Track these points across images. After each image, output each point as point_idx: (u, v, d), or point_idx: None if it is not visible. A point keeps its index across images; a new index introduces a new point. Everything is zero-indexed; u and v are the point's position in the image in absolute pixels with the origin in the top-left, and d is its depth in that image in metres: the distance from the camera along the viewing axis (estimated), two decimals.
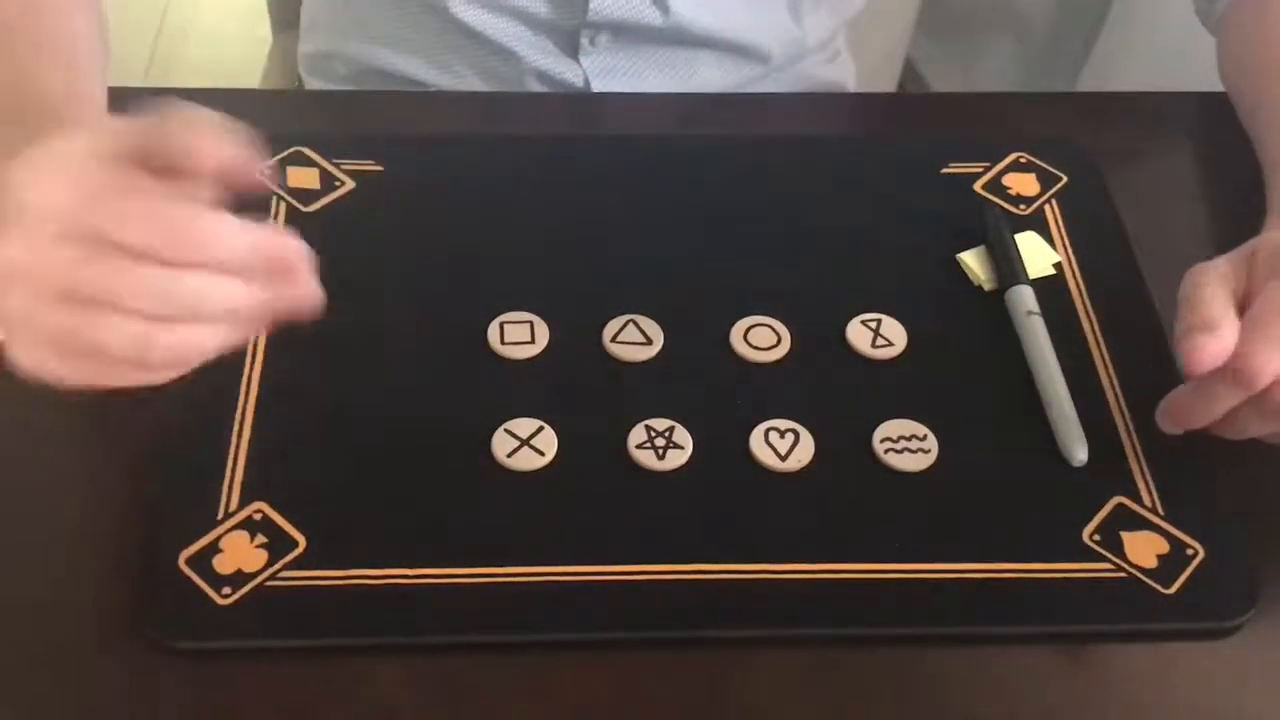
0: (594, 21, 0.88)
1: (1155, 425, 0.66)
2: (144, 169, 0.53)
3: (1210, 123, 0.86)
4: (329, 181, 0.76)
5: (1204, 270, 0.64)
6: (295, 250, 0.55)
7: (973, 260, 0.73)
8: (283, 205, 0.74)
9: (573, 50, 0.91)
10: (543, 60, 0.91)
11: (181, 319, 0.53)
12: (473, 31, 0.90)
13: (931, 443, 0.65)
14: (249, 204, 0.75)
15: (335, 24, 0.97)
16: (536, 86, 0.93)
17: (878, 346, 0.69)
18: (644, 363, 0.68)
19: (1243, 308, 0.62)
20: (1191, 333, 0.60)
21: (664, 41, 0.91)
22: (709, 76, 0.94)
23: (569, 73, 0.92)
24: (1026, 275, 0.72)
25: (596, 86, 0.92)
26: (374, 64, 0.94)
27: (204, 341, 0.54)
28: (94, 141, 0.54)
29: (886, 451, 0.65)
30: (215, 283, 0.53)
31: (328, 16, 0.98)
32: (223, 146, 0.53)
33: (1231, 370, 0.60)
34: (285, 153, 0.77)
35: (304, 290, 0.55)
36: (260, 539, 0.60)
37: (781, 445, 0.65)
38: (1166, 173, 0.81)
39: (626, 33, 0.90)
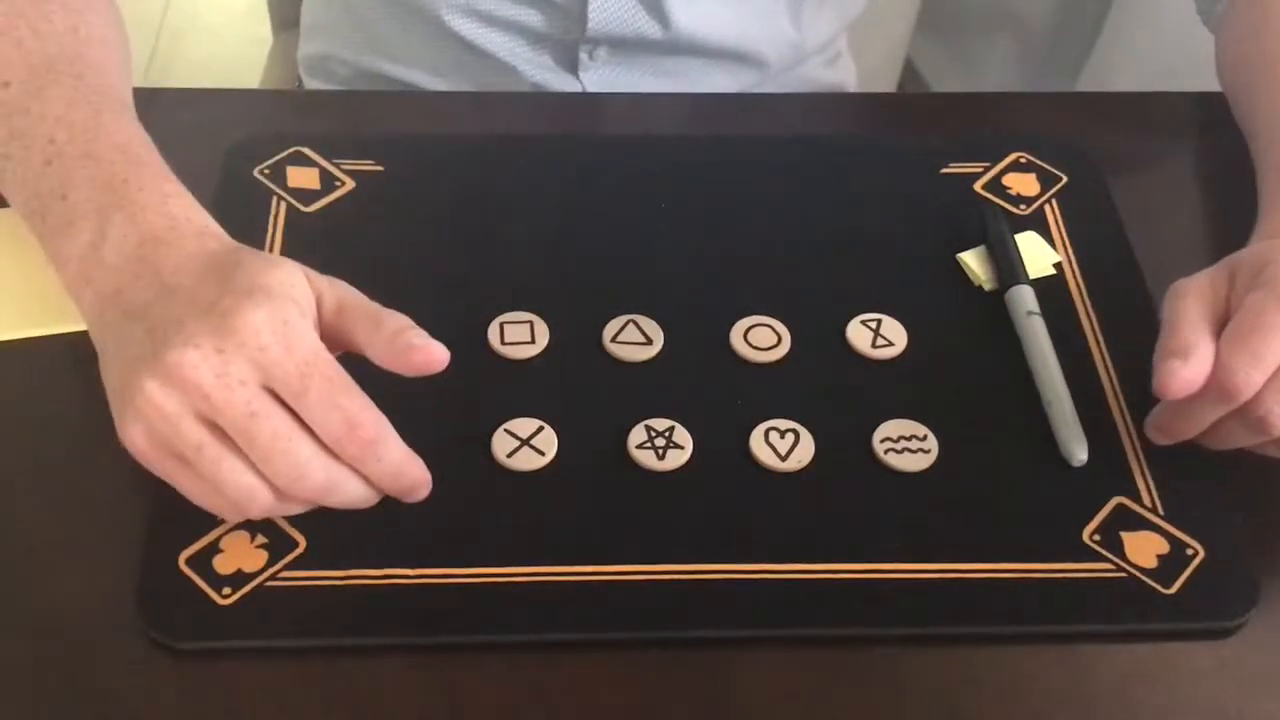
0: (593, 36, 0.88)
1: None
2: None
3: (1210, 123, 0.86)
4: (329, 181, 0.76)
5: (1184, 287, 0.64)
6: (420, 484, 0.59)
7: (973, 260, 0.73)
8: (283, 205, 0.74)
9: (571, 65, 0.91)
10: (541, 75, 0.91)
11: (296, 498, 0.57)
12: (470, 45, 0.90)
13: (931, 443, 0.65)
14: (248, 201, 0.75)
15: (334, 30, 0.97)
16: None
17: (878, 346, 0.69)
18: (644, 363, 0.68)
19: (1225, 320, 0.62)
20: (1166, 358, 0.61)
21: (663, 53, 0.90)
22: (710, 87, 0.94)
23: (567, 87, 0.92)
24: (1026, 275, 0.72)
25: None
26: (373, 70, 0.94)
27: (293, 511, 0.58)
28: (310, 294, 0.58)
29: (886, 451, 0.65)
30: (346, 480, 0.57)
31: (327, 22, 0.98)
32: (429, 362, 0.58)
33: (1214, 385, 0.60)
34: (285, 153, 0.77)
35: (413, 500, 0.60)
36: (260, 539, 0.60)
37: (781, 445, 0.65)
38: (1166, 172, 0.81)
39: (625, 46, 0.89)
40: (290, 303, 0.56)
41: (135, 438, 0.56)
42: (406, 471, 0.58)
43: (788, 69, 0.96)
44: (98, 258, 0.59)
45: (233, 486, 0.56)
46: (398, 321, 0.59)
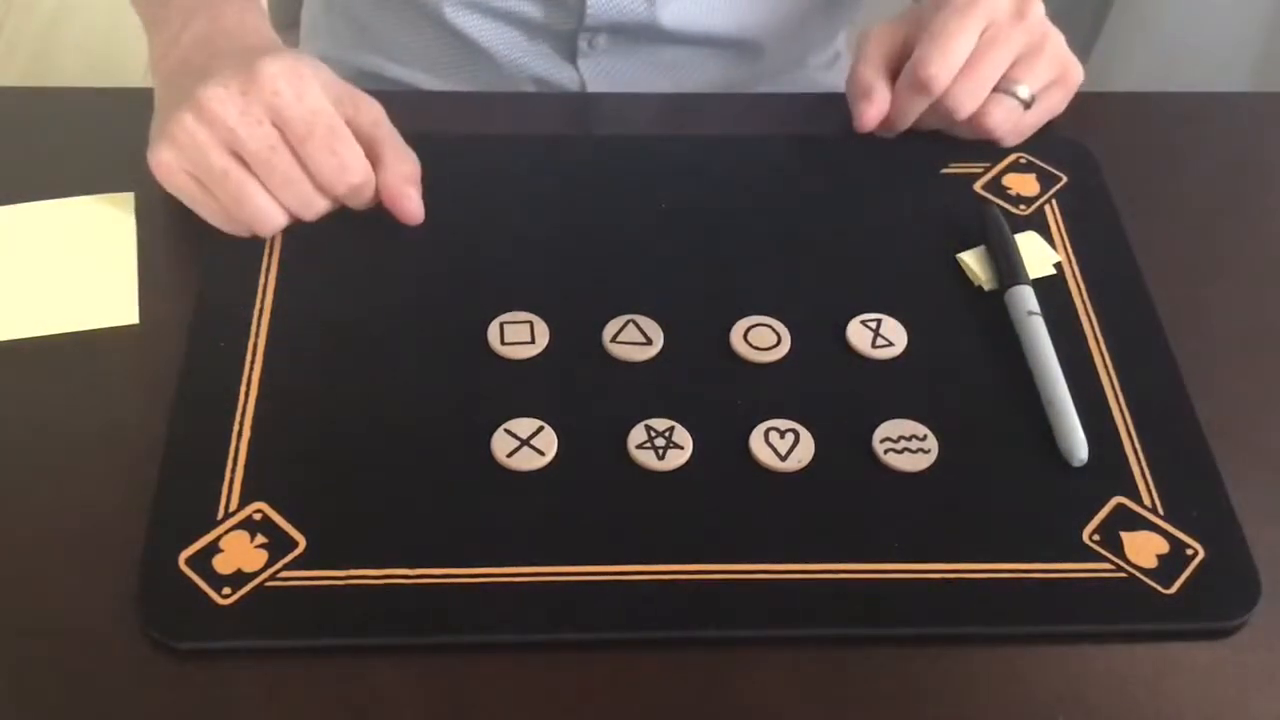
0: (591, 24, 0.88)
1: (1155, 425, 0.66)
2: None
3: (1210, 123, 0.86)
4: None
5: (868, 33, 0.80)
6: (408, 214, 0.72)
7: (973, 260, 0.73)
8: None
9: (570, 55, 0.91)
10: (539, 66, 0.91)
11: (299, 219, 0.72)
12: (469, 39, 0.90)
13: (931, 443, 0.65)
14: None
15: (333, 30, 0.97)
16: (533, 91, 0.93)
17: (878, 346, 0.69)
18: (644, 363, 0.68)
19: (905, 58, 0.77)
20: (855, 101, 0.78)
21: (662, 41, 0.90)
22: (708, 77, 0.94)
23: (565, 78, 0.92)
24: (1026, 275, 0.72)
25: (594, 91, 0.92)
26: (372, 70, 0.94)
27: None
28: (335, 81, 0.70)
29: (886, 451, 0.65)
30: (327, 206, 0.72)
31: (327, 22, 0.98)
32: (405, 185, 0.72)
33: (916, 83, 0.75)
34: None
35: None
36: (260, 539, 0.60)
37: (781, 445, 0.65)
38: (1166, 173, 0.81)
39: (624, 33, 0.89)
40: (308, 68, 0.68)
41: (164, 160, 0.68)
42: (391, 192, 0.71)
43: (787, 61, 0.96)
44: (177, 41, 0.73)
45: (252, 207, 0.69)
46: (414, 169, 0.72)
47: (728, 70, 0.94)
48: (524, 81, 0.92)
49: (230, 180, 0.68)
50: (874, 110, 0.77)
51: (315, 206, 0.70)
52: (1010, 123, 0.78)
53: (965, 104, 0.76)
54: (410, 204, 0.71)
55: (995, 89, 0.77)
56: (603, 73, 0.92)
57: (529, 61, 0.91)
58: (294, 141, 0.68)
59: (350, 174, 0.69)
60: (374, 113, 0.71)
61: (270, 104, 0.67)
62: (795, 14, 0.93)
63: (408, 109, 0.74)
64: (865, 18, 1.01)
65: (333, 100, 0.69)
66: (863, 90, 0.78)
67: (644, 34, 0.89)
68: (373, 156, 0.71)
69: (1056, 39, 0.78)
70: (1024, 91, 0.77)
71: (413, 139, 0.73)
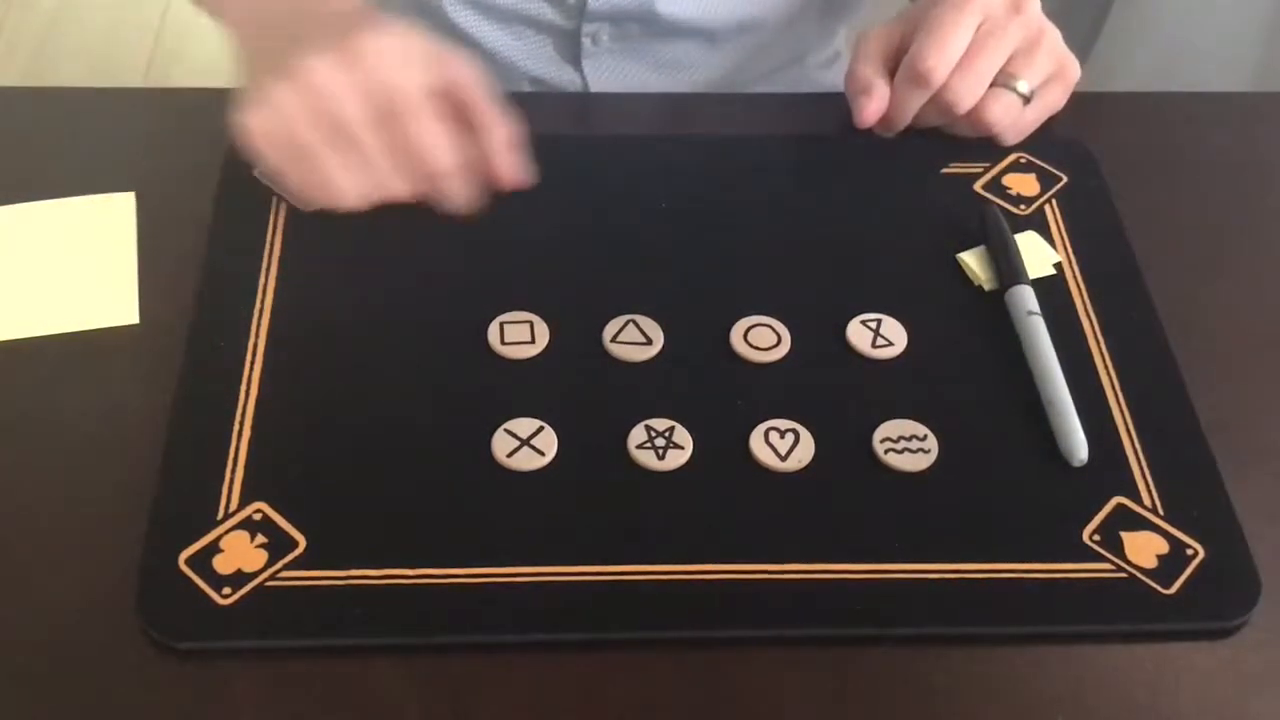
0: (594, 14, 0.88)
1: (1155, 425, 0.66)
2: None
3: (1210, 123, 0.86)
4: None
5: (866, 33, 0.80)
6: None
7: (973, 260, 0.73)
8: (283, 205, 0.74)
9: (573, 55, 0.91)
10: (542, 68, 0.91)
11: (375, 196, 0.70)
12: (471, 40, 0.90)
13: (931, 443, 0.65)
14: (248, 201, 0.75)
15: None
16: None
17: (878, 346, 0.69)
18: (644, 363, 0.68)
19: (902, 56, 0.78)
20: (855, 96, 0.79)
21: (662, 35, 0.90)
22: (708, 76, 0.94)
23: (567, 80, 0.92)
24: (1026, 275, 0.72)
25: (595, 91, 0.92)
26: None
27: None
28: (431, 54, 0.70)
29: (886, 451, 0.65)
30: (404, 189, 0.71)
31: None
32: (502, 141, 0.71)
33: (913, 78, 0.76)
34: None
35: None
36: (260, 539, 0.60)
37: (781, 445, 0.65)
38: (1166, 172, 0.81)
39: (625, 26, 0.89)
40: (404, 44, 0.68)
41: (257, 126, 0.68)
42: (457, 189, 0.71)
43: (786, 57, 0.96)
44: (260, 3, 0.73)
45: (326, 183, 0.69)
46: (512, 132, 0.71)
47: (728, 68, 0.94)
48: (524, 82, 0.92)
49: (311, 154, 0.68)
50: (873, 105, 0.78)
51: (391, 187, 0.70)
52: (1010, 117, 0.78)
53: (964, 97, 0.76)
54: (509, 168, 0.71)
55: (994, 84, 0.77)
56: (604, 73, 0.92)
57: (531, 63, 0.91)
58: (385, 117, 0.67)
59: (436, 153, 0.69)
60: (467, 78, 0.70)
61: (367, 79, 0.67)
62: (793, 4, 0.93)
63: None
64: (865, 17, 1.01)
65: (426, 71, 0.69)
66: (861, 86, 0.79)
67: (643, 25, 0.89)
68: (467, 123, 0.71)
69: (1053, 34, 0.79)
70: (1023, 86, 0.77)
71: None
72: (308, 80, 0.66)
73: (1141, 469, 0.65)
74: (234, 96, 0.69)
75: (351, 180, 0.69)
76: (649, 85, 0.93)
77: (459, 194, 0.71)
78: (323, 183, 0.69)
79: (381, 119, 0.67)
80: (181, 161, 0.79)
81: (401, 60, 0.68)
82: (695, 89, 0.94)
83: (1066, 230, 0.76)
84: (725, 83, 0.95)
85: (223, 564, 0.59)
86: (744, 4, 0.91)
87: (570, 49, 0.91)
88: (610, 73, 0.92)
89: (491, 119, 0.71)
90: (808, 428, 0.65)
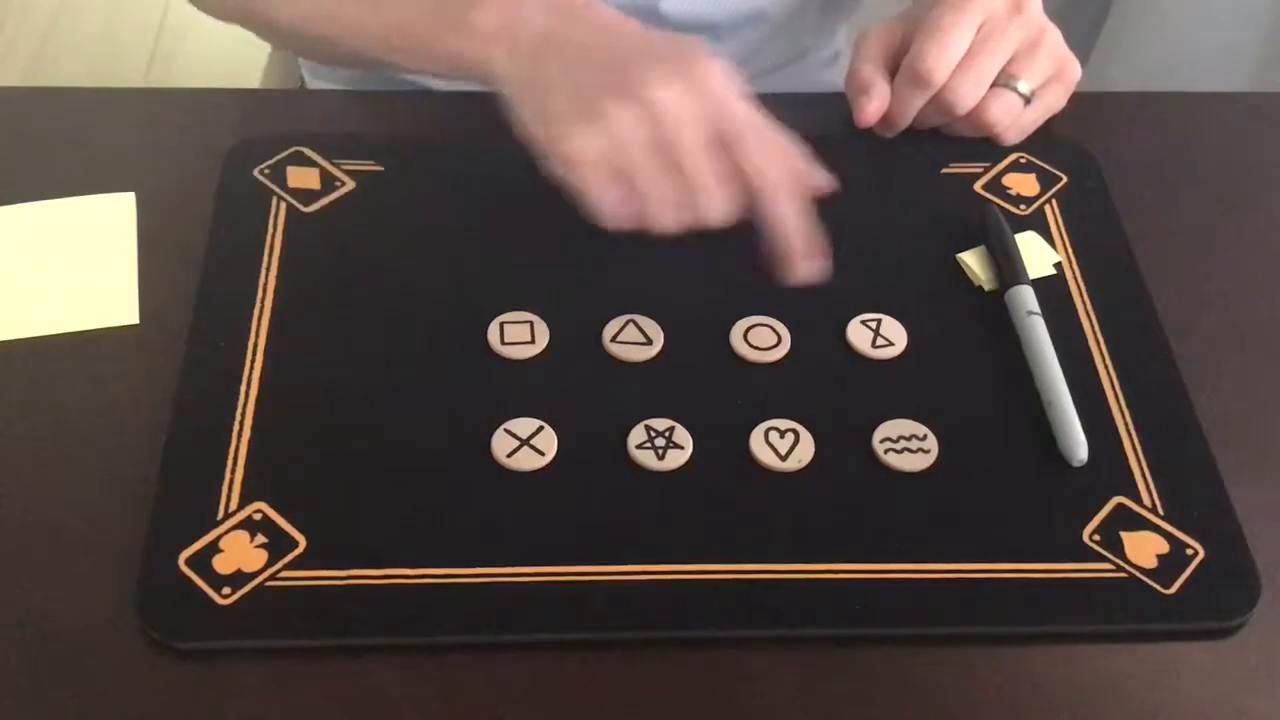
0: None
1: (1155, 425, 0.66)
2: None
3: (1210, 123, 0.86)
4: (329, 181, 0.76)
5: (866, 32, 0.80)
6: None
7: (973, 260, 0.73)
8: (283, 205, 0.74)
9: None
10: None
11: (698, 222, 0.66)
12: None
13: (931, 443, 0.65)
14: (249, 201, 0.75)
15: None
16: None
17: (878, 346, 0.69)
18: (644, 363, 0.68)
19: (902, 56, 0.78)
20: (855, 96, 0.78)
21: (665, 30, 0.90)
22: None
23: None
24: (1026, 275, 0.72)
25: None
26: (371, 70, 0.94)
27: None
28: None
29: (886, 451, 0.65)
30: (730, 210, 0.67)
31: None
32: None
33: (914, 79, 0.76)
34: (285, 153, 0.77)
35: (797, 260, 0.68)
36: (260, 539, 0.60)
37: (781, 445, 0.65)
38: (1166, 172, 0.81)
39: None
40: (726, 67, 0.66)
41: (587, 150, 0.64)
42: (800, 228, 0.67)
43: (787, 55, 0.96)
44: (520, 16, 0.68)
45: (660, 208, 0.65)
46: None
47: (731, 61, 0.94)
48: None
49: (643, 180, 0.65)
50: (874, 105, 0.78)
51: (712, 215, 0.66)
52: (1010, 117, 0.78)
53: (964, 98, 0.77)
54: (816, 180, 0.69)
55: (994, 84, 0.77)
56: None
57: None
58: (721, 146, 0.65)
59: (790, 159, 0.67)
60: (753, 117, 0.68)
61: (706, 106, 0.65)
62: (794, 1, 0.93)
63: (412, 109, 0.74)
64: (865, 16, 1.01)
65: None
66: (862, 86, 0.78)
67: (646, 22, 0.89)
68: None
69: (1054, 34, 0.79)
70: (1023, 86, 0.78)
71: (414, 139, 0.73)
72: (660, 110, 0.64)
73: (1141, 469, 0.65)
74: (527, 122, 0.67)
75: (674, 206, 0.66)
76: None
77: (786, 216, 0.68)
78: (646, 208, 0.65)
79: (717, 147, 0.65)
80: (181, 161, 0.79)
81: (734, 84, 0.66)
82: None
83: (1066, 230, 0.76)
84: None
85: (223, 564, 0.59)
86: (745, 1, 0.91)
87: None
88: None
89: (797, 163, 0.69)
90: (808, 428, 0.65)
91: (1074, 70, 0.80)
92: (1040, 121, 0.80)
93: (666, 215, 0.66)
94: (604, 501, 0.63)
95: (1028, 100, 0.78)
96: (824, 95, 0.85)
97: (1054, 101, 0.80)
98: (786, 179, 0.67)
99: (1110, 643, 0.60)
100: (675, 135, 0.64)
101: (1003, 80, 0.77)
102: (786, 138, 0.67)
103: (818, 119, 0.83)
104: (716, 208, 0.66)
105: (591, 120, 0.64)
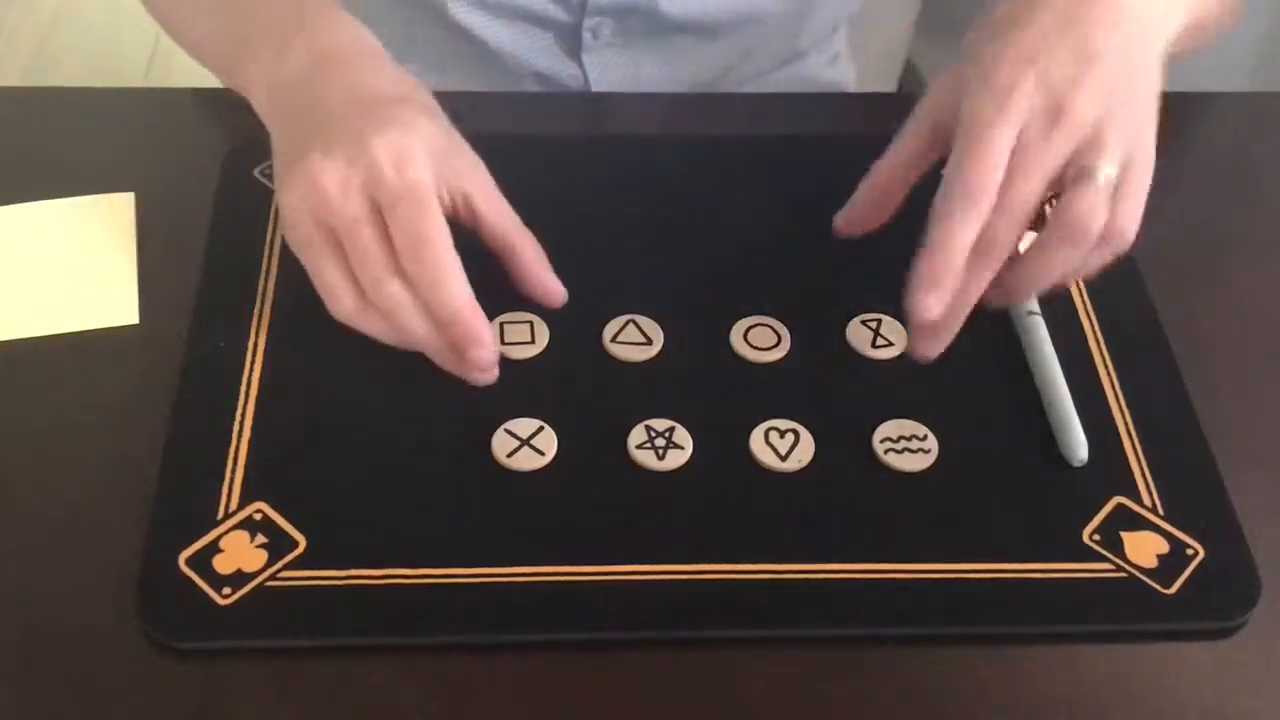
0: (595, 7, 0.88)
1: (1155, 425, 0.66)
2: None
3: (1210, 123, 0.86)
4: None
5: (924, 96, 0.68)
6: (474, 338, 0.64)
7: None
8: None
9: (574, 48, 0.91)
10: (543, 62, 0.91)
11: (373, 306, 0.64)
12: (472, 35, 0.90)
13: (931, 443, 0.65)
14: (248, 201, 0.75)
15: None
16: (535, 89, 0.93)
17: (878, 346, 0.69)
18: (644, 363, 0.68)
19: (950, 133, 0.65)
20: (919, 291, 0.63)
21: (664, 30, 0.90)
22: (709, 71, 0.94)
23: (567, 74, 0.92)
24: None
25: (595, 86, 0.92)
26: None
27: (368, 327, 0.65)
28: (444, 146, 0.66)
29: (886, 451, 0.65)
30: (412, 306, 0.63)
31: None
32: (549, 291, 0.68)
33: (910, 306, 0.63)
34: None
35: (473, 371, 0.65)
36: (260, 539, 0.60)
37: (781, 445, 0.65)
38: (1167, 172, 0.81)
39: (629, 19, 0.89)
40: (419, 140, 0.64)
41: (285, 214, 0.64)
42: (463, 316, 0.63)
43: (787, 53, 0.96)
44: (278, 69, 0.68)
45: (320, 282, 0.64)
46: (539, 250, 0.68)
47: (729, 64, 0.94)
48: (526, 77, 0.92)
49: (309, 251, 0.64)
50: (851, 224, 0.71)
51: (385, 287, 0.63)
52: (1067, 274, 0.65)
53: (1003, 298, 0.65)
54: (544, 289, 0.68)
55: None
56: (605, 66, 0.92)
57: (532, 57, 0.91)
58: (383, 209, 0.62)
59: (429, 248, 0.62)
60: (487, 192, 0.67)
61: (367, 177, 0.62)
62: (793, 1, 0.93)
63: None
64: (865, 16, 1.01)
65: (435, 172, 0.64)
66: (932, 277, 0.63)
67: (651, 22, 0.89)
68: (499, 247, 0.68)
69: (1123, 117, 0.63)
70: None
71: None
72: (313, 181, 0.63)
73: (1141, 469, 0.65)
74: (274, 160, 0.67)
75: (343, 279, 0.64)
76: (649, 80, 0.93)
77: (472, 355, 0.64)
78: (315, 278, 0.64)
79: (385, 210, 0.63)
80: (181, 161, 0.79)
81: (407, 156, 0.63)
82: (696, 84, 0.94)
83: None
84: (726, 78, 0.95)
85: (223, 564, 0.59)
86: (745, 1, 0.91)
87: (571, 43, 0.91)
88: (611, 67, 0.92)
89: (518, 238, 0.68)
90: (808, 428, 0.65)
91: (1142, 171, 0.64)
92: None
93: (330, 291, 0.64)
94: (604, 501, 0.63)
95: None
96: (824, 95, 0.85)
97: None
98: (415, 256, 0.62)
99: (1110, 643, 0.60)
100: (329, 209, 0.62)
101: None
102: (434, 224, 0.62)
103: (818, 119, 0.83)
104: (378, 284, 0.63)
105: (281, 196, 0.65)
